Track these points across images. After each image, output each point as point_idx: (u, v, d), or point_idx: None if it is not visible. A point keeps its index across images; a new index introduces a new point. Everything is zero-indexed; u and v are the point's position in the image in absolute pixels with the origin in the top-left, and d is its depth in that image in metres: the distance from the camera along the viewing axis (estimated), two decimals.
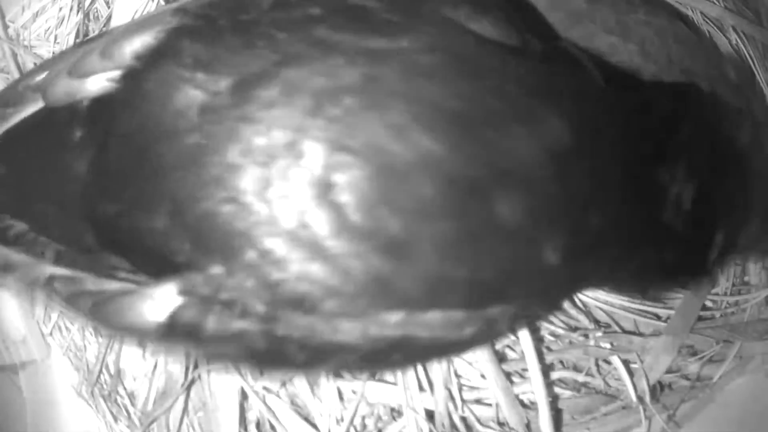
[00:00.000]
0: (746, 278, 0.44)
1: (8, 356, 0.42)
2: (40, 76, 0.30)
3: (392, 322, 0.25)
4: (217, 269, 0.24)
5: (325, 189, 0.23)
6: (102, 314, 0.27)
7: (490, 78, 0.25)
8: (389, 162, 0.23)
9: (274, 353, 0.26)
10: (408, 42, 0.24)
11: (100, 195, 0.27)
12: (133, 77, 0.27)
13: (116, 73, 0.27)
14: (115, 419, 0.42)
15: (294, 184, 0.23)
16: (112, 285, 0.27)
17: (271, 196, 0.23)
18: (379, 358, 0.27)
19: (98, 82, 0.28)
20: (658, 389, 0.41)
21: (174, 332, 0.26)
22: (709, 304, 0.43)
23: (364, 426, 0.40)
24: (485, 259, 0.25)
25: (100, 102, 0.28)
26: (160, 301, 0.25)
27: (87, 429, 0.43)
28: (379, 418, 0.39)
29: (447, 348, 0.29)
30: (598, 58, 0.33)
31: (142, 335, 0.27)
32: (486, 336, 0.29)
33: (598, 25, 0.34)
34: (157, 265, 0.26)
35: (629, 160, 0.27)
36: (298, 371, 0.34)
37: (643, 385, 0.39)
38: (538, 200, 0.24)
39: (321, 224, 0.23)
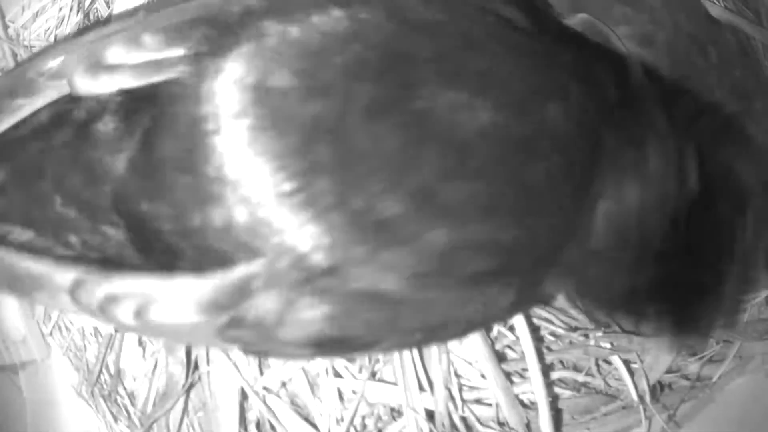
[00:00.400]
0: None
1: (8, 356, 0.42)
2: (54, 62, 0.27)
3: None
4: (283, 262, 0.23)
5: (397, 167, 0.23)
6: (150, 317, 0.25)
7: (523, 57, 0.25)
8: (451, 133, 0.23)
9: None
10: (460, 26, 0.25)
11: (146, 193, 0.25)
12: (189, 64, 0.24)
13: (161, 63, 0.25)
14: (115, 419, 0.42)
15: (365, 165, 0.23)
16: (160, 285, 0.25)
17: (340, 180, 0.23)
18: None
19: (135, 73, 0.25)
20: (658, 389, 0.41)
21: (239, 326, 0.25)
22: None
23: (364, 426, 0.40)
24: (541, 220, 0.25)
25: (139, 92, 0.25)
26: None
27: (87, 429, 0.43)
28: (379, 418, 0.39)
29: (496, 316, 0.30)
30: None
31: (195, 332, 0.26)
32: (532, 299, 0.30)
33: None
34: (211, 262, 0.24)
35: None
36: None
37: (643, 385, 0.39)
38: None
39: (390, 207, 0.23)
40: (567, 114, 0.25)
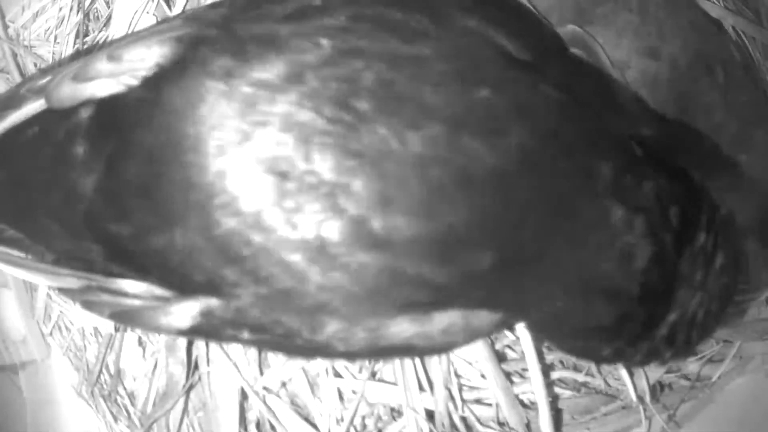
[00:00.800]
0: (746, 278, 0.44)
1: (8, 356, 0.42)
2: (43, 80, 0.29)
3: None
4: (237, 300, 0.25)
5: (335, 195, 0.24)
6: (122, 320, 0.29)
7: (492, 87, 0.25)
8: (394, 166, 0.24)
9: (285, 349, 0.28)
10: (429, 50, 0.25)
11: (111, 215, 0.26)
12: (152, 86, 0.26)
13: (127, 78, 0.26)
14: (115, 419, 0.42)
15: (308, 194, 0.24)
16: (129, 301, 0.28)
17: (288, 213, 0.24)
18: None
19: (106, 85, 0.27)
20: (658, 389, 0.41)
21: (196, 333, 0.27)
22: None
23: (364, 426, 0.40)
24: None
25: (105, 114, 0.27)
26: (181, 315, 0.27)
27: (87, 429, 0.43)
28: (379, 418, 0.39)
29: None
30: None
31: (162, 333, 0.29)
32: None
33: (620, 5, 0.35)
34: (176, 283, 0.26)
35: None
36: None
37: (643, 385, 0.39)
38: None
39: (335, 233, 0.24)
40: (503, 152, 0.24)
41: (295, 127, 0.24)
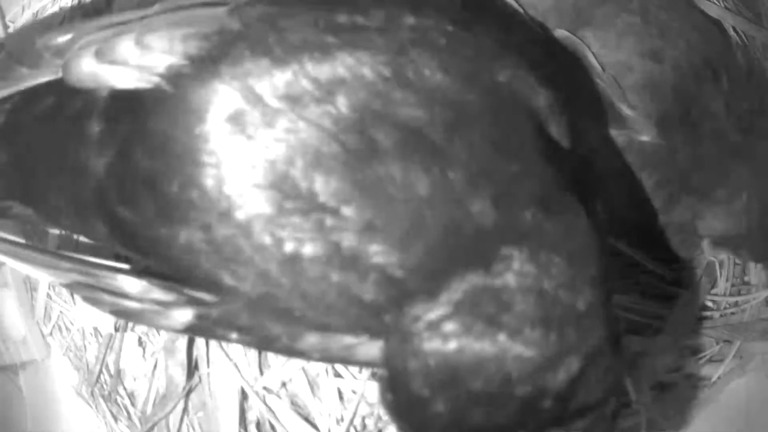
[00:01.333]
0: (746, 278, 0.44)
1: (8, 356, 0.42)
2: (63, 38, 0.28)
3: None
4: (228, 303, 0.25)
5: (323, 219, 0.24)
6: (122, 316, 0.29)
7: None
8: (394, 203, 0.23)
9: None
10: (463, 98, 0.24)
11: (120, 199, 0.26)
12: (179, 79, 0.25)
13: (156, 69, 0.25)
14: (115, 419, 0.42)
15: (299, 215, 0.24)
16: (129, 303, 0.28)
17: (276, 228, 0.24)
18: None
19: (131, 74, 0.26)
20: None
21: (191, 331, 0.27)
22: (709, 304, 0.43)
23: (364, 426, 0.40)
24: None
25: (126, 97, 0.26)
26: (179, 317, 0.27)
27: (87, 429, 0.43)
28: (379, 418, 0.39)
29: None
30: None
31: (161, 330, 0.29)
32: None
33: (619, 7, 0.35)
34: (176, 274, 0.26)
35: None
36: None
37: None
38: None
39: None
40: (501, 216, 0.23)
41: (307, 147, 0.24)
